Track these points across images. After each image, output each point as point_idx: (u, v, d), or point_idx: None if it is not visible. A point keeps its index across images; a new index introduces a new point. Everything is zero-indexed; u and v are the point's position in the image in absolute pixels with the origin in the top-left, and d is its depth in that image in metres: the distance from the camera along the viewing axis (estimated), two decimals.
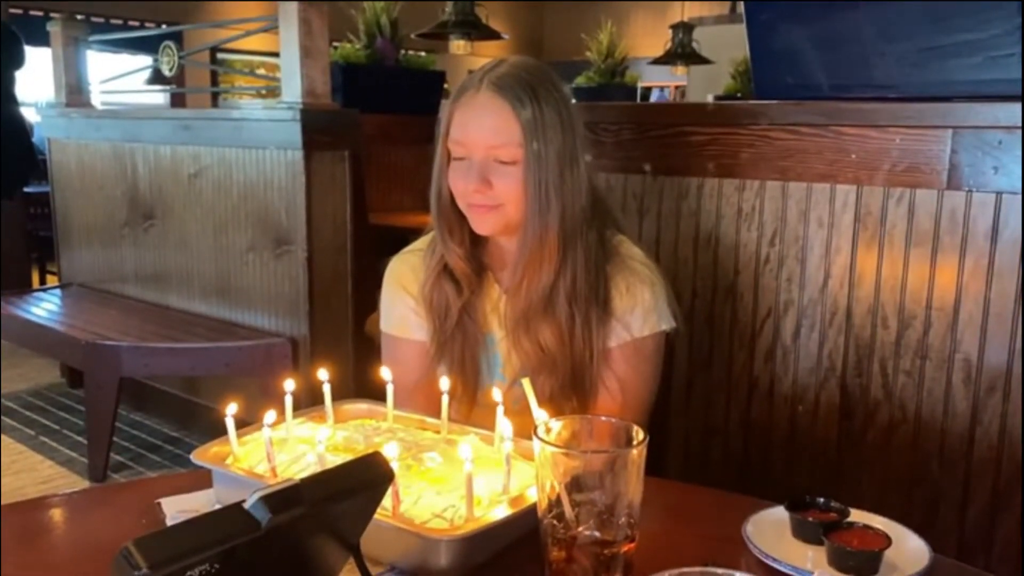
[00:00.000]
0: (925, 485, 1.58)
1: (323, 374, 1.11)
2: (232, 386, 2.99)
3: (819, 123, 1.61)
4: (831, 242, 1.64)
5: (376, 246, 2.92)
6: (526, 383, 1.01)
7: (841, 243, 1.62)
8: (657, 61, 6.85)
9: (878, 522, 0.94)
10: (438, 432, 1.10)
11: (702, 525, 1.01)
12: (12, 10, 7.28)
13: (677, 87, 10.31)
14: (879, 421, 1.62)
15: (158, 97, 8.21)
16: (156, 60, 3.60)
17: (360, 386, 2.31)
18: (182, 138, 3.22)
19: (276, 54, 2.83)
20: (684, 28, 6.74)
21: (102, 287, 3.78)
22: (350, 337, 2.94)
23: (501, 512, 0.90)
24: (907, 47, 1.57)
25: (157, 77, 4.72)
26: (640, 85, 8.63)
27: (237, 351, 2.93)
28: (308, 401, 1.19)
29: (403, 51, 3.89)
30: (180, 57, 3.53)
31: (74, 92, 3.83)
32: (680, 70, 7.42)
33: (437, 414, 1.12)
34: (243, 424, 1.05)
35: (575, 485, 0.78)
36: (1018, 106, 1.39)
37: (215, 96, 7.95)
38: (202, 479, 1.04)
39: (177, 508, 1.00)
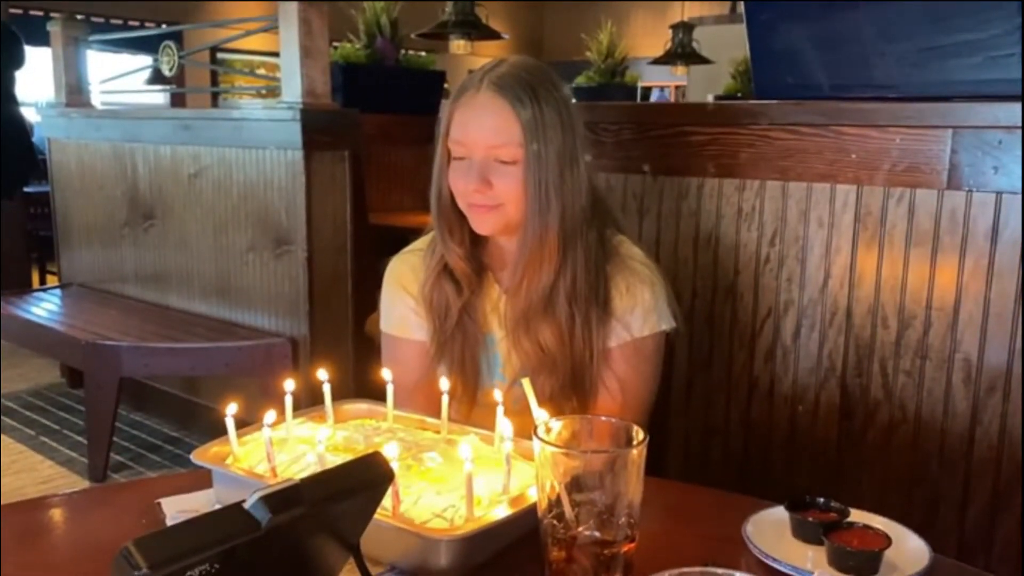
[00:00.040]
0: (925, 485, 1.58)
1: (323, 374, 1.11)
2: (232, 386, 2.99)
3: (819, 123, 1.61)
4: (831, 242, 1.64)
5: (376, 246, 2.92)
6: (526, 383, 1.01)
7: (841, 243, 1.62)
8: (657, 61, 6.85)
9: (878, 522, 0.94)
10: (438, 432, 1.10)
11: (702, 525, 1.01)
12: (12, 10, 7.28)
13: (677, 87, 10.31)
14: (879, 421, 1.62)
15: (158, 97, 8.21)
16: (156, 60, 3.61)
17: (360, 386, 2.31)
18: (182, 138, 3.22)
19: (276, 54, 2.83)
20: (684, 28, 6.74)
21: (102, 287, 3.78)
22: (350, 337, 2.94)
23: (501, 512, 0.90)
24: (907, 47, 1.57)
25: (157, 77, 4.72)
26: (640, 85, 8.63)
27: (237, 351, 2.93)
28: (308, 401, 1.19)
29: (403, 51, 3.90)
30: (180, 57, 3.53)
31: (74, 92, 3.83)
32: (680, 70, 7.42)
33: (437, 414, 1.12)
34: (243, 424, 1.05)
35: (575, 485, 0.78)
36: (1018, 106, 1.39)
37: (215, 96, 7.95)
38: (202, 479, 1.04)
39: (177, 508, 1.00)
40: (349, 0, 3.60)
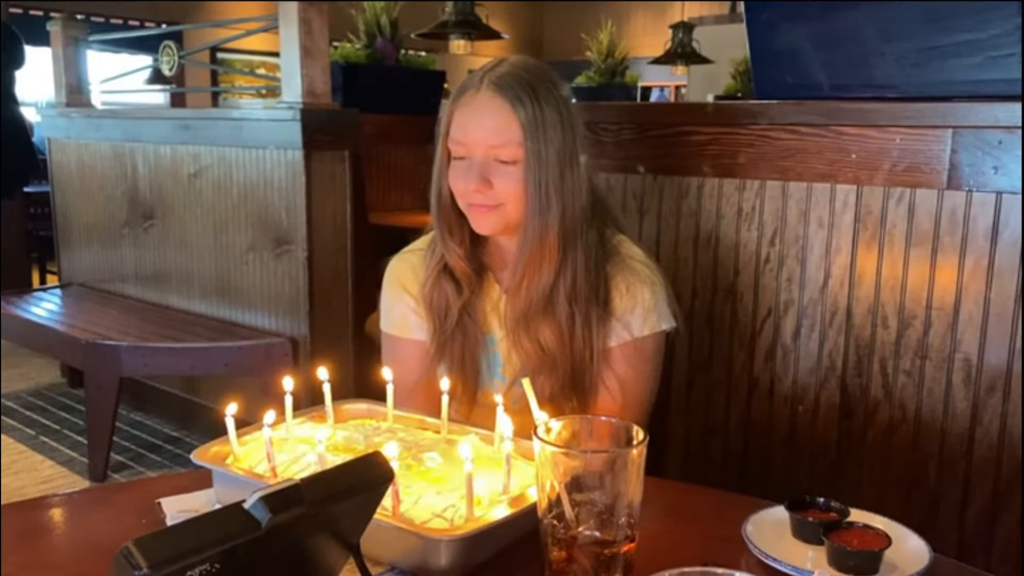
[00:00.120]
0: (925, 485, 1.58)
1: (323, 373, 1.11)
2: (232, 386, 3.00)
3: (819, 123, 1.61)
4: (831, 242, 1.64)
5: (376, 246, 2.93)
6: (526, 383, 1.01)
7: (841, 243, 1.62)
8: (657, 61, 6.86)
9: (878, 522, 0.94)
10: (438, 432, 1.10)
11: (702, 525, 1.01)
12: (12, 10, 7.28)
13: (677, 87, 10.31)
14: (879, 421, 1.62)
15: (158, 97, 8.22)
16: (156, 60, 3.60)
17: (360, 386, 2.31)
18: (182, 138, 3.22)
19: (276, 54, 2.83)
20: (684, 28, 6.74)
21: (102, 287, 3.78)
22: (350, 337, 2.95)
23: (501, 512, 0.90)
24: (907, 47, 1.57)
25: (157, 77, 4.72)
26: (640, 85, 8.64)
27: (237, 351, 2.93)
28: (308, 401, 1.19)
29: (403, 51, 3.89)
30: (180, 57, 3.53)
31: (74, 92, 3.83)
32: (680, 70, 7.42)
33: (437, 414, 1.12)
34: (243, 424, 1.05)
35: (575, 485, 0.79)
36: (1018, 106, 1.39)
37: (215, 96, 7.96)
38: (202, 479, 1.04)
39: (177, 508, 1.00)
40: (349, 0, 3.60)
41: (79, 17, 4.22)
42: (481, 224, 1.28)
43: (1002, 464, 1.50)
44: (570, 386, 1.30)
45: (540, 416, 0.93)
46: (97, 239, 3.77)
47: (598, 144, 1.85)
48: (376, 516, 0.77)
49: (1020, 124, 1.39)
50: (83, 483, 2.99)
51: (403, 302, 1.38)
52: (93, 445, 3.01)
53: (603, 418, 0.89)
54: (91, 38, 3.91)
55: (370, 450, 0.90)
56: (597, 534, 0.78)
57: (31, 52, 4.65)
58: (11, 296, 3.72)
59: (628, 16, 10.75)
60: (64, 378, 4.07)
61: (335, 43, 3.46)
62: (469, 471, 0.88)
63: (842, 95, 1.65)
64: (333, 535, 0.74)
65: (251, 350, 2.91)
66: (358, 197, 2.91)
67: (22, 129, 4.66)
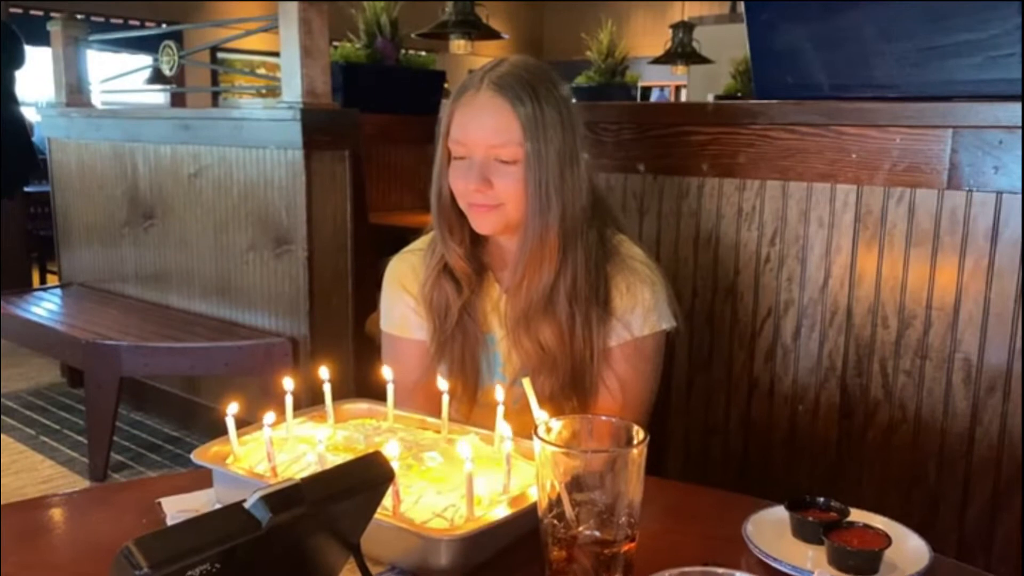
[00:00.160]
0: (925, 485, 1.58)
1: (324, 373, 1.11)
2: (232, 386, 3.00)
3: (819, 123, 1.61)
4: (831, 242, 1.64)
5: (376, 246, 2.93)
6: (526, 382, 1.01)
7: (841, 243, 1.62)
8: (657, 61, 6.86)
9: (878, 522, 0.94)
10: (438, 432, 1.10)
11: (702, 525, 1.01)
12: (12, 9, 7.28)
13: (677, 87, 10.31)
14: (879, 421, 1.62)
15: (158, 97, 8.23)
16: (156, 60, 3.61)
17: (360, 386, 2.31)
18: (182, 138, 3.22)
19: (276, 54, 2.83)
20: (684, 28, 6.74)
21: (102, 287, 3.78)
22: (350, 337, 2.95)
23: (501, 512, 0.90)
24: (907, 47, 1.57)
25: (157, 77, 4.72)
26: (640, 85, 8.64)
27: (237, 351, 2.93)
28: (308, 401, 1.19)
29: (403, 51, 3.89)
30: (180, 57, 3.53)
31: (74, 92, 3.83)
32: (680, 70, 7.42)
33: (437, 413, 1.12)
34: (243, 424, 1.05)
35: (575, 485, 0.79)
36: (1018, 106, 1.39)
37: (215, 96, 7.96)
38: (202, 479, 1.04)
39: (177, 508, 1.01)
40: (349, 0, 3.60)
41: (79, 17, 4.22)
42: (481, 224, 1.28)
43: (1002, 464, 1.50)
44: (570, 386, 1.30)
45: (540, 416, 0.93)
46: (97, 239, 3.78)
47: (598, 144, 1.85)
48: (376, 516, 0.77)
49: (1020, 124, 1.39)
50: (83, 483, 2.99)
51: (403, 302, 1.38)
52: (93, 445, 3.01)
53: (603, 418, 0.89)
54: (91, 38, 3.91)
55: (370, 450, 0.90)
56: (597, 534, 0.78)
57: (31, 52, 4.65)
58: (11, 296, 3.72)
59: (628, 16, 10.75)
60: (64, 378, 4.07)
61: (335, 43, 3.46)
62: (469, 471, 0.88)
63: (842, 95, 1.65)
64: (333, 535, 0.74)
65: (251, 350, 2.91)
66: (358, 197, 2.91)
67: (22, 129, 4.66)
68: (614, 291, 1.30)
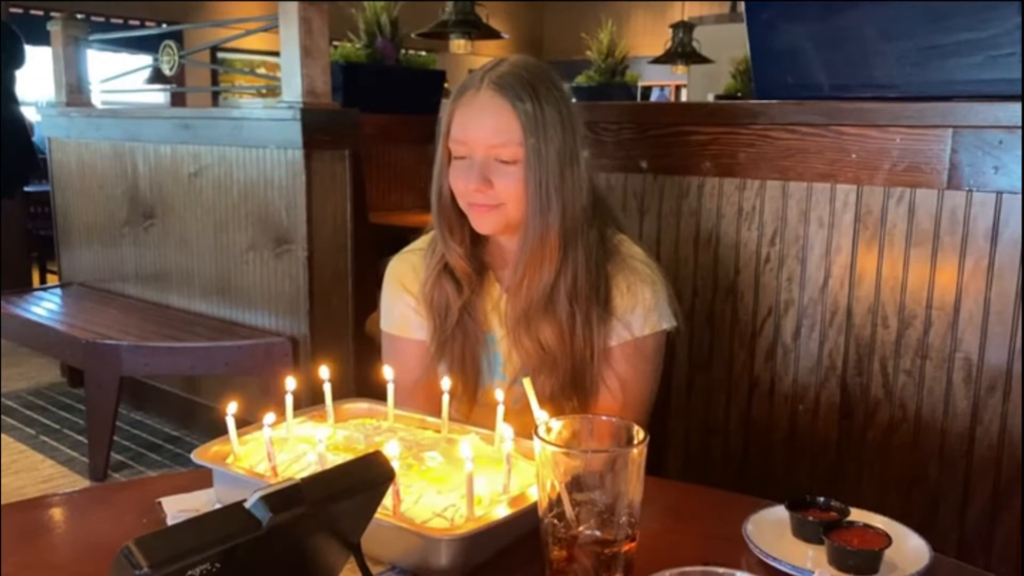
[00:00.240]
0: (925, 484, 1.58)
1: (324, 372, 1.11)
2: (232, 385, 3.00)
3: (819, 123, 1.61)
4: (831, 242, 1.64)
5: (376, 245, 2.93)
6: (527, 382, 1.01)
7: (841, 243, 1.62)
8: (657, 60, 6.86)
9: (878, 521, 0.94)
10: (438, 431, 1.10)
11: (702, 524, 1.01)
12: (12, 9, 7.28)
13: (677, 86, 10.31)
14: (879, 420, 1.62)
15: (158, 96, 8.22)
16: (156, 59, 3.61)
17: (360, 385, 2.31)
18: (182, 137, 3.22)
19: (276, 53, 2.83)
20: (684, 27, 6.75)
21: (102, 286, 3.78)
22: (350, 336, 2.95)
23: (502, 511, 0.90)
24: (907, 46, 1.57)
25: (157, 76, 4.72)
26: (640, 84, 8.64)
27: (237, 350, 2.93)
28: (308, 400, 1.19)
29: (403, 50, 3.90)
30: (180, 56, 3.53)
31: (74, 91, 3.83)
32: (680, 69, 7.43)
33: (437, 413, 1.12)
34: (243, 423, 1.05)
35: (576, 484, 0.79)
36: (1018, 106, 1.39)
37: (215, 95, 7.96)
38: (203, 478, 1.04)
39: (178, 507, 1.01)
40: (349, 0, 3.60)
41: (79, 17, 4.22)
42: (482, 224, 1.28)
43: (1002, 464, 1.50)
44: (571, 385, 1.30)
45: (540, 415, 0.93)
46: (97, 238, 3.78)
47: (598, 144, 1.85)
48: (377, 515, 0.77)
49: (1020, 124, 1.39)
50: (83, 482, 2.99)
51: (403, 301, 1.38)
52: (93, 444, 3.01)
53: (603, 417, 0.89)
54: (91, 38, 3.91)
55: (371, 449, 0.90)
56: (598, 534, 0.78)
57: (31, 52, 4.65)
58: (11, 296, 3.72)
59: (628, 16, 10.76)
60: (64, 377, 4.07)
61: (335, 43, 3.46)
62: (470, 470, 0.88)
63: (842, 95, 1.65)
64: (334, 534, 0.74)
65: (251, 350, 2.91)
66: (358, 197, 2.91)
67: (22, 129, 4.66)
68: (615, 291, 1.30)
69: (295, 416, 1.08)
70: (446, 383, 1.13)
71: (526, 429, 0.89)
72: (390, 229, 3.15)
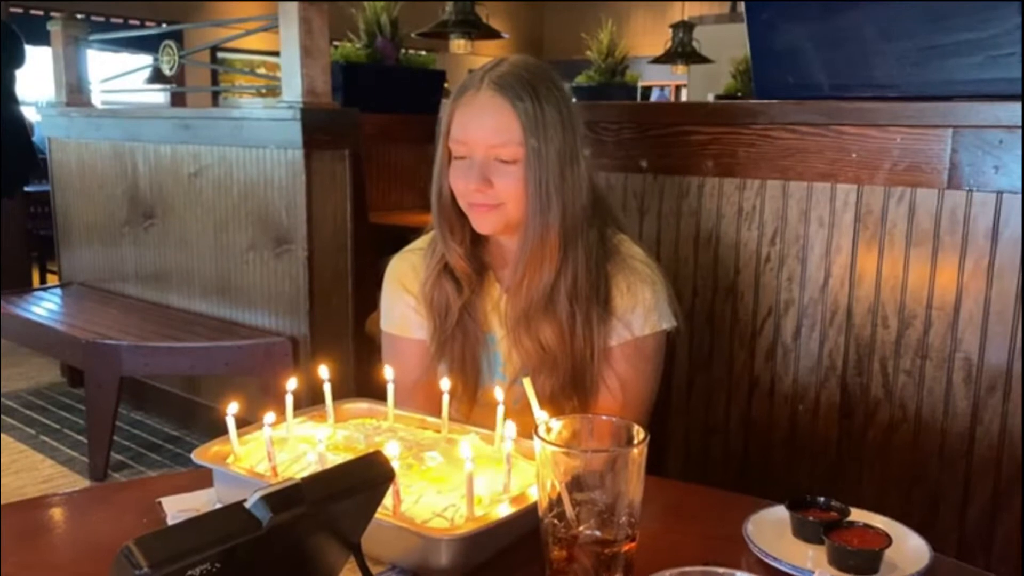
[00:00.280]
0: (925, 484, 1.58)
1: (324, 372, 1.11)
2: (232, 385, 3.00)
3: (819, 122, 1.61)
4: (831, 241, 1.64)
5: (376, 245, 2.93)
6: (527, 382, 1.01)
7: (841, 242, 1.62)
8: (657, 60, 6.86)
9: (878, 521, 0.94)
10: (439, 431, 1.10)
11: (702, 524, 1.01)
12: (12, 9, 7.28)
13: (677, 86, 10.31)
14: (879, 420, 1.62)
15: (158, 96, 8.22)
16: (156, 59, 3.61)
17: (360, 385, 2.31)
18: (182, 137, 3.22)
19: (276, 53, 2.83)
20: (684, 27, 6.75)
21: (102, 286, 3.78)
22: (350, 336, 2.95)
23: (502, 511, 0.90)
24: (907, 46, 1.57)
25: (157, 76, 4.72)
26: (640, 84, 8.64)
27: (237, 350, 2.93)
28: (308, 400, 1.19)
29: (403, 50, 3.89)
30: (180, 56, 3.53)
31: (74, 91, 3.83)
32: (680, 69, 7.43)
33: (437, 413, 1.12)
34: (244, 423, 1.05)
35: (576, 484, 0.79)
36: (1019, 105, 1.39)
37: (215, 95, 7.96)
38: (203, 478, 1.04)
39: (178, 507, 1.00)
40: (349, 0, 3.60)
41: (79, 16, 4.22)
42: (482, 223, 1.28)
43: (1002, 464, 1.50)
44: (571, 385, 1.30)
45: (541, 415, 0.93)
46: (97, 238, 3.78)
47: (598, 143, 1.85)
48: (377, 515, 0.77)
49: (1020, 124, 1.39)
50: (83, 482, 2.99)
51: (403, 301, 1.38)
52: (93, 444, 3.01)
53: (604, 417, 0.89)
54: (91, 37, 3.91)
55: (371, 449, 0.90)
56: (598, 533, 0.78)
57: (31, 51, 4.65)
58: (11, 296, 3.72)
59: (628, 16, 10.76)
60: (64, 377, 4.07)
61: (335, 43, 3.46)
62: (470, 470, 0.88)
63: (842, 95, 1.65)
64: (334, 534, 0.74)
65: (251, 349, 2.91)
66: (358, 196, 2.91)
67: (22, 128, 4.66)
68: (615, 290, 1.30)
69: (295, 416, 1.08)
70: (446, 383, 1.13)
71: (526, 429, 0.89)
72: (390, 229, 3.15)
